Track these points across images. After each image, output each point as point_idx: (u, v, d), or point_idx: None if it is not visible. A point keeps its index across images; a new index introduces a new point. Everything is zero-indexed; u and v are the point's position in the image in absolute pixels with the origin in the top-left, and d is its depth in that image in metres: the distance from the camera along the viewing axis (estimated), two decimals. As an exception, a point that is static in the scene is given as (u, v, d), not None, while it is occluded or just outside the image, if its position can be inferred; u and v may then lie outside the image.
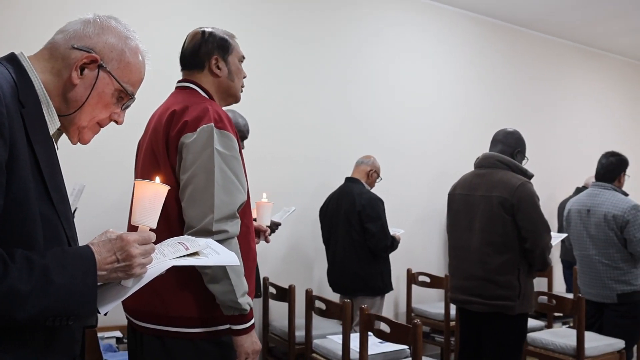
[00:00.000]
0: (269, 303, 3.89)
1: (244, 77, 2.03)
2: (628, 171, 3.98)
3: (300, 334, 3.54)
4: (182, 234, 1.71)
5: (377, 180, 4.13)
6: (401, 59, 4.91)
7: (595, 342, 3.54)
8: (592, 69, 6.60)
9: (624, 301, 3.72)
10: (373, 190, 4.04)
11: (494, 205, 2.97)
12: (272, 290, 3.79)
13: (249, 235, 1.91)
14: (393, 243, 3.89)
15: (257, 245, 3.42)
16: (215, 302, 1.76)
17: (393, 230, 4.00)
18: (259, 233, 2.36)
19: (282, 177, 4.20)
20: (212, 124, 1.76)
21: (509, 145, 3.15)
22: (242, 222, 1.81)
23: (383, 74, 4.79)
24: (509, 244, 2.95)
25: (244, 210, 1.85)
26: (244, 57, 2.03)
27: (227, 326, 1.80)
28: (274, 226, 3.26)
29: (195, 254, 1.31)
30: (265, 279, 3.88)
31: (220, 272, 1.69)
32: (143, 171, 1.88)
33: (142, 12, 3.66)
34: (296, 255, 4.30)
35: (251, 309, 1.78)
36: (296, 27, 4.33)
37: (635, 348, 4.30)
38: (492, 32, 5.59)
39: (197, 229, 1.69)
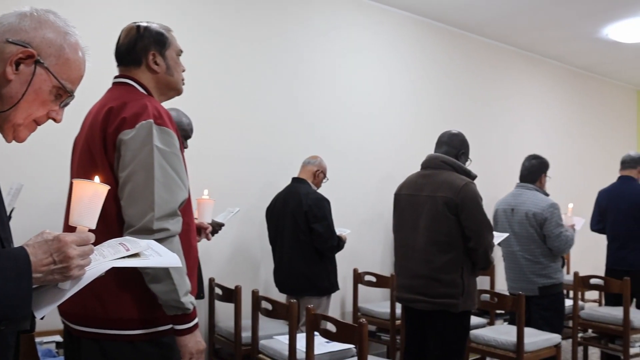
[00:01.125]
0: (215, 304, 3.86)
1: (183, 71, 2.00)
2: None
3: (246, 334, 3.51)
4: (121, 234, 1.67)
5: (324, 180, 4.15)
6: (348, 59, 4.94)
7: (533, 337, 3.66)
8: (533, 74, 6.82)
9: (544, 293, 3.96)
10: (319, 191, 4.05)
11: (438, 205, 3.04)
12: (218, 291, 3.75)
13: (190, 233, 1.88)
14: (339, 243, 3.92)
15: (200, 244, 3.40)
16: (157, 302, 1.72)
17: (339, 230, 4.03)
18: (200, 231, 2.33)
19: (229, 176, 4.17)
20: (152, 120, 1.72)
21: (454, 147, 3.23)
22: (183, 220, 1.78)
23: (331, 74, 4.81)
24: (453, 243, 3.02)
25: (185, 208, 1.82)
26: (181, 51, 2.00)
27: (170, 326, 1.76)
28: (217, 227, 3.23)
29: (136, 255, 1.28)
30: (211, 280, 3.84)
31: (162, 272, 1.66)
32: (79, 170, 1.83)
33: (83, 8, 3.56)
34: (242, 255, 4.27)
35: (194, 307, 1.75)
36: (244, 25, 4.29)
37: (570, 342, 4.48)
38: (439, 36, 5.68)
39: (137, 228, 1.65)
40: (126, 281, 1.71)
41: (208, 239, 2.35)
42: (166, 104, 2.96)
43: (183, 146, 3.11)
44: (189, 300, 1.72)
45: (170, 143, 1.75)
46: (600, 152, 7.74)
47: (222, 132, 4.15)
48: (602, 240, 5.14)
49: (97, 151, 1.76)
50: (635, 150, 7.99)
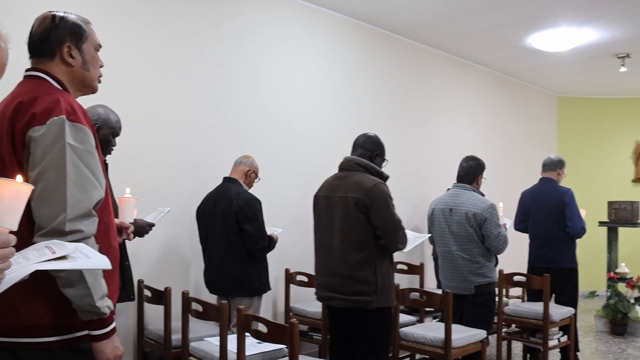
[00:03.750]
0: (144, 306, 3.77)
1: (101, 67, 1.91)
2: (486, 174, 4.33)
3: (176, 337, 3.46)
4: (31, 237, 1.58)
5: (256, 180, 4.12)
6: (279, 60, 4.93)
7: (461, 333, 3.77)
8: (462, 79, 7.04)
9: (480, 292, 4.06)
10: (251, 191, 4.03)
11: (350, 206, 3.16)
12: (147, 292, 3.67)
13: (109, 233, 1.81)
14: (270, 243, 3.92)
15: (130, 245, 3.31)
16: (73, 307, 1.63)
17: (270, 230, 4.03)
18: (122, 230, 2.24)
19: (159, 175, 4.08)
20: (64, 116, 1.63)
21: (368, 149, 3.35)
22: (102, 220, 1.72)
23: (261, 74, 4.78)
24: (365, 242, 3.14)
25: (103, 208, 1.75)
26: (100, 46, 1.90)
27: (87, 332, 1.68)
28: (148, 227, 3.16)
29: (62, 257, 1.24)
30: (140, 282, 3.75)
31: (76, 275, 1.57)
32: None
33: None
34: (172, 256, 4.19)
35: (112, 312, 1.68)
36: (174, 21, 4.21)
37: (495, 337, 4.66)
38: (371, 39, 5.76)
39: (49, 230, 1.56)
40: (39, 286, 1.61)
41: (129, 239, 2.26)
42: (94, 100, 2.88)
43: (112, 144, 3.04)
44: (105, 304, 1.64)
45: (85, 140, 1.67)
46: (523, 155, 8.07)
47: (152, 130, 4.06)
48: (525, 239, 5.36)
49: (4, 149, 1.66)
50: (556, 153, 8.39)
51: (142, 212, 3.43)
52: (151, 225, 3.19)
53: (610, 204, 6.79)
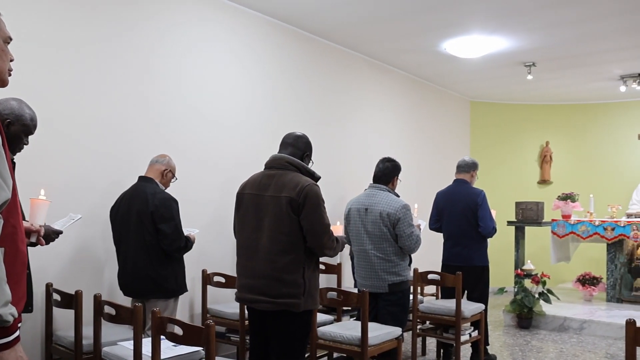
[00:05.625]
0: (53, 311, 3.61)
1: (12, 61, 1.81)
2: (402, 175, 4.46)
3: (88, 342, 3.33)
4: None
5: (173, 180, 4.04)
6: (196, 58, 4.86)
7: (377, 331, 3.85)
8: (380, 81, 7.19)
9: (393, 290, 4.15)
10: (169, 190, 3.95)
11: (282, 205, 3.07)
12: (56, 297, 3.51)
13: (17, 236, 1.70)
14: (187, 244, 3.84)
15: (37, 247, 3.14)
16: None
17: (187, 230, 3.95)
18: (30, 234, 2.12)
19: (70, 173, 3.91)
20: None
21: (299, 149, 3.28)
22: (8, 223, 1.62)
23: (178, 72, 4.70)
24: (295, 243, 3.07)
25: (10, 209, 1.65)
26: (10, 38, 1.80)
27: None
28: (54, 234, 2.96)
29: None
30: (49, 285, 3.59)
31: None
32: None
33: None
34: (84, 257, 4.03)
35: (16, 319, 1.58)
36: (92, 18, 4.06)
37: (411, 334, 4.79)
38: (291, 40, 5.79)
39: None
40: None
41: (40, 244, 2.14)
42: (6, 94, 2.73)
43: (23, 142, 2.87)
44: (8, 311, 1.54)
45: None
46: (437, 157, 8.35)
47: (64, 127, 3.90)
48: (439, 238, 5.54)
49: None
50: (469, 155, 8.73)
51: (51, 213, 3.27)
52: (57, 233, 2.97)
53: (517, 204, 7.15)
